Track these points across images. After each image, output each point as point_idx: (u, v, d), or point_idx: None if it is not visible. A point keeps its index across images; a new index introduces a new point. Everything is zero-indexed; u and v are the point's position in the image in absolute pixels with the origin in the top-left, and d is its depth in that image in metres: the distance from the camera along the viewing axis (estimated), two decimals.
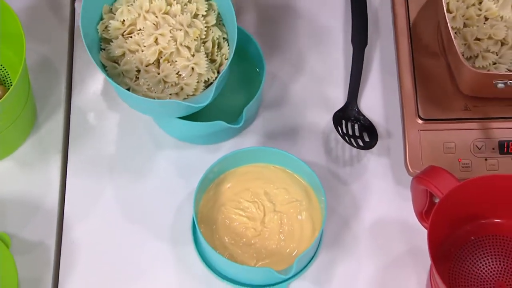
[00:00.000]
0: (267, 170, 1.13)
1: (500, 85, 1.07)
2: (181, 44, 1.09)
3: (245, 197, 1.12)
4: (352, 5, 1.24)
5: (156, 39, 1.09)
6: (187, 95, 1.10)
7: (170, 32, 1.09)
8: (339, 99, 1.20)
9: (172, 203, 1.15)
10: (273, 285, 1.08)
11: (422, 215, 1.08)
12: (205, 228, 1.09)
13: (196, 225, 1.06)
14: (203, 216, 1.10)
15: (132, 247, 1.12)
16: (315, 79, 1.22)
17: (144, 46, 1.09)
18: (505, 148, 1.13)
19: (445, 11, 1.10)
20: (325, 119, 1.19)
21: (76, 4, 1.21)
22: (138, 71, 1.10)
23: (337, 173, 1.17)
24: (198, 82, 1.09)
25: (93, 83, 1.22)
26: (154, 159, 1.17)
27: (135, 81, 1.10)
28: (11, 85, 1.13)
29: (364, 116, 1.18)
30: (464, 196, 1.03)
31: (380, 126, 1.19)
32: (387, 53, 1.23)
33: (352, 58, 1.21)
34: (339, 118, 1.17)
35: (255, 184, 1.12)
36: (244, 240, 1.09)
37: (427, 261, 1.06)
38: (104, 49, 1.11)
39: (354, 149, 1.18)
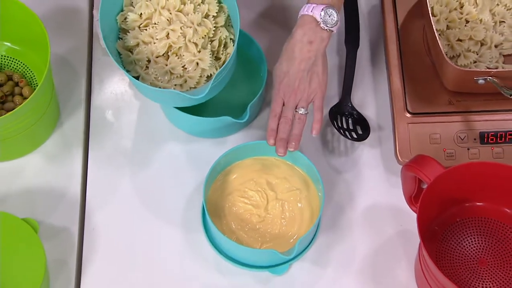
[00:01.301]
0: (270, 162, 1.13)
1: (481, 81, 1.08)
2: (189, 41, 1.09)
3: (250, 187, 1.12)
4: (345, 10, 1.23)
5: (168, 33, 1.09)
6: (190, 87, 1.10)
7: (181, 28, 1.09)
8: (334, 96, 1.20)
9: (183, 192, 1.15)
10: (276, 265, 1.08)
11: (411, 200, 1.08)
12: (214, 215, 1.09)
13: (206, 212, 1.07)
14: (211, 204, 1.10)
15: (147, 232, 1.12)
16: None
17: (157, 39, 1.10)
18: (485, 139, 1.13)
19: (430, 15, 1.10)
20: None
21: (94, 12, 1.22)
22: (149, 61, 1.10)
23: (333, 163, 1.17)
24: (201, 76, 1.09)
25: (111, 84, 1.22)
26: (166, 152, 1.17)
27: (145, 70, 1.10)
28: (37, 85, 1.13)
29: (357, 111, 1.18)
30: (450, 182, 1.04)
31: (372, 120, 1.19)
32: (378, 53, 1.24)
33: (346, 58, 1.21)
34: (334, 113, 1.18)
35: (259, 175, 1.13)
36: (249, 225, 1.10)
37: (416, 241, 1.06)
38: (121, 38, 1.11)
39: (349, 141, 1.18)
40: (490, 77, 1.07)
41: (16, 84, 1.18)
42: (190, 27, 1.10)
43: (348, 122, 1.18)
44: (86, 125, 1.20)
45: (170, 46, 1.10)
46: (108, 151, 1.18)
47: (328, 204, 1.14)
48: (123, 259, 1.11)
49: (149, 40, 1.10)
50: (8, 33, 1.17)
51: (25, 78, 1.19)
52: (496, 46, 1.17)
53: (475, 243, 1.08)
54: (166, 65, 1.10)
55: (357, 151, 1.18)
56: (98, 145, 1.18)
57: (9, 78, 1.18)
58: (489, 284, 1.05)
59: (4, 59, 1.20)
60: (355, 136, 1.16)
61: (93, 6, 1.26)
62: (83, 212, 1.14)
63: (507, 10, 1.18)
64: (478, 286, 1.05)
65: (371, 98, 1.21)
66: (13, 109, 1.07)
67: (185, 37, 1.10)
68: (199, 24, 1.10)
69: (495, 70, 1.10)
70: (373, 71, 1.23)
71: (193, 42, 1.10)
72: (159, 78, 1.10)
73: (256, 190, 1.12)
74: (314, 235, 1.11)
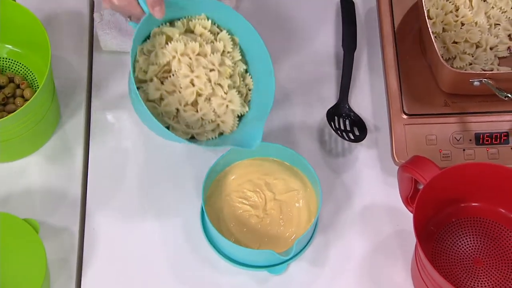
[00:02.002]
0: (268, 163, 1.13)
1: (476, 83, 1.08)
2: (215, 83, 1.06)
3: (248, 187, 1.12)
4: (342, 13, 1.25)
5: (192, 80, 1.06)
6: (223, 131, 1.07)
7: (205, 74, 1.05)
8: (332, 98, 1.21)
9: (182, 193, 1.15)
10: (274, 265, 1.08)
11: (408, 200, 1.08)
12: (213, 216, 1.09)
13: (205, 213, 1.07)
14: (210, 205, 1.10)
15: (146, 233, 1.12)
16: (310, 80, 1.23)
17: (181, 87, 1.05)
18: (481, 140, 1.14)
19: (426, 18, 1.10)
20: (319, 116, 1.19)
21: (94, 14, 1.22)
22: (177, 110, 1.06)
23: (330, 164, 1.17)
24: (233, 118, 1.07)
25: (111, 85, 1.21)
26: (166, 153, 1.17)
27: (174, 119, 1.06)
28: (38, 87, 1.13)
29: (354, 112, 1.19)
30: (445, 182, 1.04)
31: (369, 121, 1.19)
32: (375, 55, 1.24)
33: (343, 60, 1.21)
34: (332, 114, 1.18)
35: (257, 176, 1.12)
36: (248, 225, 1.09)
37: (413, 241, 1.06)
38: (138, 88, 1.05)
39: (346, 142, 1.18)
40: (485, 79, 1.08)
41: (18, 86, 1.18)
42: (213, 70, 1.06)
43: (345, 123, 1.18)
44: (86, 126, 1.20)
45: (197, 93, 1.06)
46: (109, 152, 1.18)
47: (326, 204, 1.14)
48: (123, 259, 1.11)
49: (172, 89, 1.06)
50: (9, 35, 1.18)
51: (26, 80, 1.19)
52: (491, 49, 1.18)
53: (471, 243, 1.08)
54: (197, 111, 1.06)
55: (354, 152, 1.18)
56: (99, 146, 1.18)
57: (11, 80, 1.18)
58: (485, 284, 1.06)
59: (6, 61, 1.20)
60: (352, 137, 1.16)
61: (93, 8, 1.26)
62: (84, 212, 1.14)
63: (502, 13, 1.19)
64: (474, 285, 1.06)
65: (368, 100, 1.21)
66: (15, 111, 1.07)
67: (210, 81, 1.06)
68: (220, 64, 1.07)
69: (490, 72, 1.10)
70: (370, 73, 1.23)
71: (218, 84, 1.07)
72: (191, 125, 1.07)
73: (254, 190, 1.12)
74: (312, 235, 1.11)
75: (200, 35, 1.08)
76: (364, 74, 1.23)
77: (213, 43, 1.08)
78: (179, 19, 1.09)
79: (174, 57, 1.06)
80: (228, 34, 1.10)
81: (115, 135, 1.19)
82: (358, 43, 1.23)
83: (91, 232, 1.12)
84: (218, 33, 1.09)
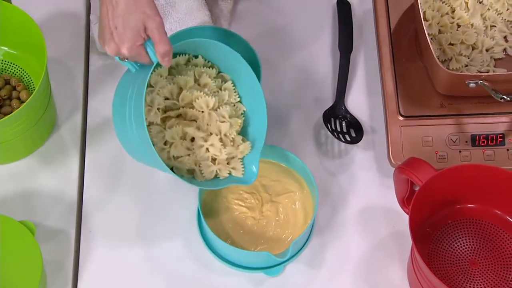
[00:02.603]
0: (265, 164, 1.13)
1: (472, 85, 1.08)
2: (224, 135, 1.05)
3: (245, 189, 1.11)
4: (339, 15, 1.25)
5: (207, 148, 1.04)
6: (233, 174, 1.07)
7: (220, 140, 1.04)
8: (328, 99, 1.21)
9: (179, 194, 1.14)
10: (271, 267, 1.09)
11: (404, 202, 1.08)
12: (209, 218, 1.09)
13: (201, 215, 1.07)
14: (207, 206, 1.10)
15: (143, 235, 1.12)
16: (307, 82, 1.23)
17: (195, 152, 1.04)
18: (477, 141, 1.14)
19: (422, 19, 1.11)
20: (316, 118, 1.20)
21: (91, 16, 1.22)
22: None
23: (327, 165, 1.17)
24: (240, 162, 1.06)
25: (107, 87, 1.21)
26: None
27: (176, 159, 1.05)
28: (34, 89, 1.13)
29: (351, 114, 1.19)
30: (441, 184, 1.04)
31: (365, 123, 1.19)
32: (371, 57, 1.24)
33: (340, 62, 1.21)
34: (328, 116, 1.18)
35: None
36: (244, 227, 1.09)
37: (409, 242, 1.05)
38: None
39: (342, 144, 1.18)
40: (481, 81, 1.08)
41: (14, 88, 1.18)
42: (224, 122, 1.05)
43: (341, 125, 1.18)
44: (83, 128, 1.20)
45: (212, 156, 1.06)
46: (105, 154, 1.17)
47: (322, 205, 1.14)
48: (119, 261, 1.11)
49: (186, 152, 1.05)
50: (5, 38, 1.18)
51: (23, 82, 1.19)
52: (487, 50, 1.18)
53: (467, 245, 1.09)
54: (212, 163, 1.06)
55: (350, 154, 1.18)
56: (95, 148, 1.18)
57: (7, 82, 1.18)
58: (481, 285, 1.06)
59: (2, 63, 1.20)
60: (348, 138, 1.17)
61: (90, 10, 1.26)
62: (80, 215, 1.14)
63: (498, 14, 1.19)
64: (470, 287, 1.06)
65: (365, 101, 1.22)
66: (11, 113, 1.08)
67: (220, 133, 1.05)
68: (230, 116, 1.06)
69: (486, 73, 1.10)
70: (366, 74, 1.24)
71: (225, 135, 1.06)
72: (204, 174, 1.06)
73: (251, 192, 1.12)
74: (308, 236, 1.11)
75: (204, 85, 1.07)
76: (360, 76, 1.23)
77: (218, 92, 1.07)
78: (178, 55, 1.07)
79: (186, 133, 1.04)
80: (219, 72, 1.08)
81: (112, 137, 1.17)
82: (354, 44, 1.23)
83: (87, 234, 1.12)
84: (214, 77, 1.08)
